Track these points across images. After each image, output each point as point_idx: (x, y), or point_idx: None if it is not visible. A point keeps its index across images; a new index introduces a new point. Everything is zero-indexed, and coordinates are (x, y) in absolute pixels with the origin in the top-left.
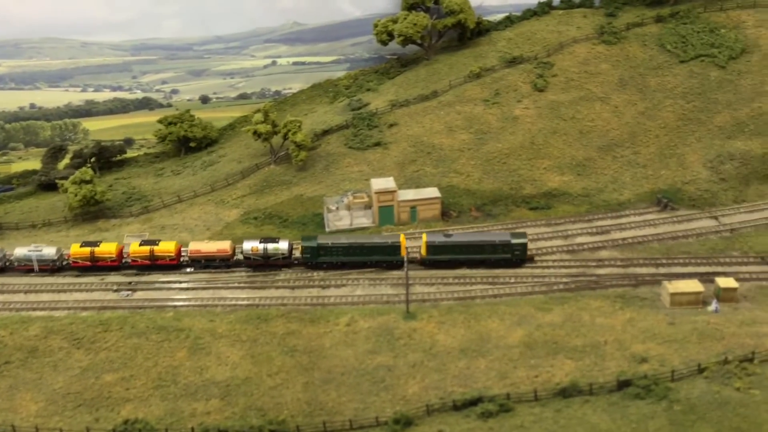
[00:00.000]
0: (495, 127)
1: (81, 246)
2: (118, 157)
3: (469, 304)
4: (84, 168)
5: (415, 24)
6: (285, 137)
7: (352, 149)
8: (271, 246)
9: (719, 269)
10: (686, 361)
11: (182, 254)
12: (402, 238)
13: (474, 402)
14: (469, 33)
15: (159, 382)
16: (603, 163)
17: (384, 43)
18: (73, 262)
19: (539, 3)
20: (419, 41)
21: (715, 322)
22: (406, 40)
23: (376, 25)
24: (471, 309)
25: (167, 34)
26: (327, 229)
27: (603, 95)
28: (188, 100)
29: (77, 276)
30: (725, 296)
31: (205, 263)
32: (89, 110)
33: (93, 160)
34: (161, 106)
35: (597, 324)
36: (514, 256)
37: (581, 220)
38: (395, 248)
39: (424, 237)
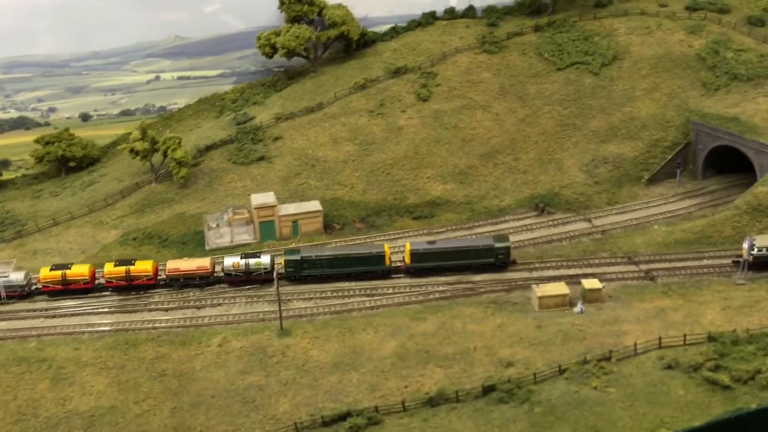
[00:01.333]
0: (379, 138)
1: (51, 269)
2: None
3: (346, 317)
4: None
5: (297, 36)
6: (165, 154)
7: (236, 164)
8: (252, 261)
9: (588, 270)
10: (549, 363)
11: (159, 273)
12: (386, 247)
13: (343, 417)
14: (354, 44)
15: (18, 416)
16: (485, 170)
17: (268, 56)
18: (44, 286)
19: (423, 14)
20: (304, 53)
21: (580, 323)
22: (290, 53)
23: (259, 38)
24: (347, 322)
25: (42, 50)
26: (207, 247)
27: (484, 103)
28: (67, 118)
29: None
30: (590, 297)
31: (185, 281)
32: None
33: None
34: (38, 125)
35: (468, 331)
36: (498, 260)
37: (462, 227)
38: (380, 257)
39: (408, 245)
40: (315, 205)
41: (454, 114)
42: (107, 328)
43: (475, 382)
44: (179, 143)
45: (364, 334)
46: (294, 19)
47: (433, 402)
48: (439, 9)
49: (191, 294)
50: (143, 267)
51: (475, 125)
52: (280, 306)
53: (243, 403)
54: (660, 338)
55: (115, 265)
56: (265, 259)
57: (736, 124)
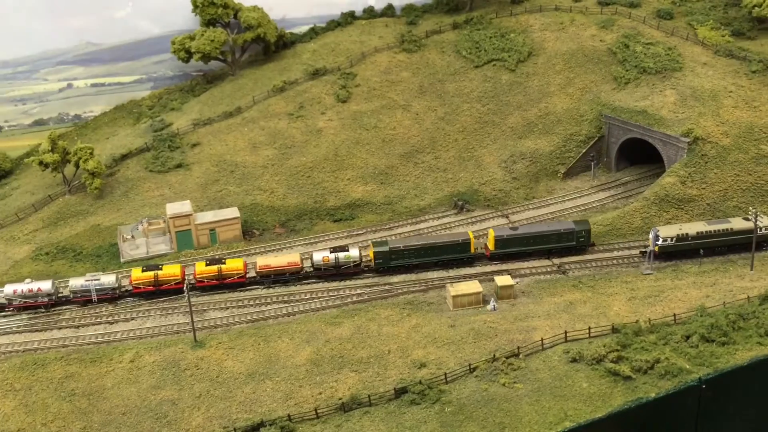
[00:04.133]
0: (299, 141)
1: (143, 270)
2: None
3: (262, 325)
4: None
5: (212, 40)
6: (77, 165)
7: (153, 173)
8: (342, 255)
9: (504, 267)
10: (461, 362)
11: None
12: (470, 234)
13: (256, 427)
14: (272, 47)
15: None
16: (405, 170)
17: (184, 61)
18: (135, 287)
19: (342, 14)
20: (221, 57)
21: (492, 320)
22: (206, 57)
23: (173, 43)
24: (262, 330)
25: None
26: (122, 259)
27: (404, 103)
28: None
29: None
30: (503, 294)
31: (275, 278)
32: None
33: None
34: None
35: (383, 333)
36: (579, 243)
37: (382, 228)
38: (465, 245)
39: (491, 232)
40: (233, 212)
41: (373, 114)
42: (17, 348)
43: (388, 385)
44: (91, 153)
45: (279, 342)
46: (209, 23)
47: (345, 407)
48: (358, 9)
49: (103, 309)
50: (234, 265)
51: (395, 125)
52: (192, 318)
53: (155, 419)
54: (566, 332)
55: (207, 264)
56: (354, 253)
57: (645, 116)
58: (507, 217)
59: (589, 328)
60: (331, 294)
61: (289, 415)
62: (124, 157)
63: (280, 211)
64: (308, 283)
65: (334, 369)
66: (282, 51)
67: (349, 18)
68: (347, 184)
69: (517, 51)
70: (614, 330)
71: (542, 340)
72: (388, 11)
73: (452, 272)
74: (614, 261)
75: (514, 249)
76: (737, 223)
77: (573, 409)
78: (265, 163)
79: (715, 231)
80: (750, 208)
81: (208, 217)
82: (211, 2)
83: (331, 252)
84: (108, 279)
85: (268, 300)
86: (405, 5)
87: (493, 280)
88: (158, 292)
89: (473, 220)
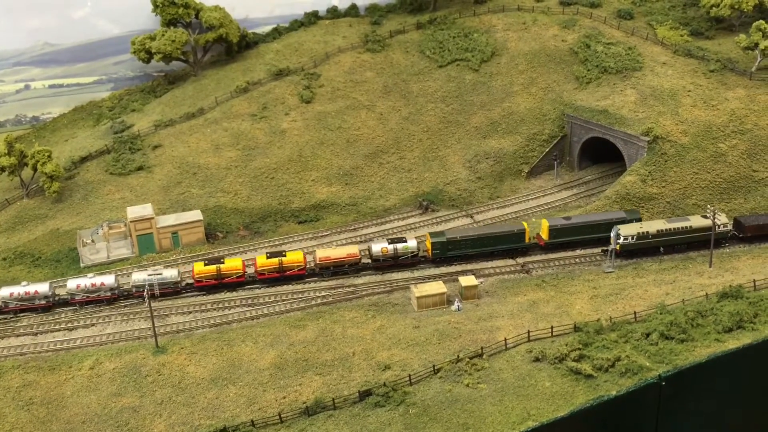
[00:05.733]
0: (263, 142)
1: (206, 264)
2: None
3: (225, 329)
4: None
5: (174, 41)
6: (35, 169)
7: (114, 175)
8: (400, 246)
9: (468, 267)
10: (425, 364)
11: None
12: (525, 225)
13: None
14: (235, 47)
15: None
16: (370, 170)
17: (145, 61)
18: (197, 281)
19: (306, 14)
20: (183, 58)
21: (456, 320)
22: (167, 58)
23: (133, 43)
24: (226, 335)
25: None
26: (82, 264)
27: (368, 103)
28: None
29: None
30: (467, 294)
31: (334, 270)
32: None
33: None
34: None
35: (348, 336)
36: None
37: (347, 229)
38: (521, 235)
39: (545, 222)
40: (195, 215)
41: (338, 115)
42: None
43: (353, 388)
44: (49, 156)
45: (243, 346)
46: (170, 23)
47: (309, 411)
48: (322, 8)
49: (63, 315)
50: (295, 257)
51: (360, 125)
52: (153, 323)
53: (116, 426)
54: (529, 332)
55: (268, 257)
56: (411, 243)
57: (606, 116)
58: (471, 217)
59: (552, 328)
60: (295, 296)
61: (252, 421)
62: (84, 159)
63: (244, 213)
64: (363, 275)
65: (298, 373)
66: (245, 51)
67: (312, 18)
68: (312, 185)
69: (480, 51)
70: (576, 329)
71: (506, 340)
72: (352, 11)
73: (416, 273)
74: (577, 259)
75: (567, 238)
76: (696, 221)
77: (536, 409)
78: (228, 165)
79: (674, 229)
80: (708, 205)
81: (171, 220)
82: (171, 2)
83: (389, 243)
84: (170, 273)
85: (231, 304)
86: (369, 5)
87: (457, 280)
88: (220, 285)
89: (438, 220)
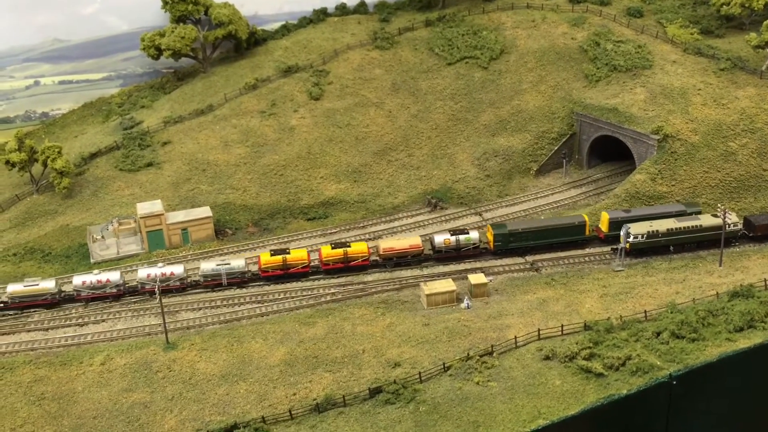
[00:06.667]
0: (272, 139)
1: (271, 255)
2: None
3: (235, 326)
4: None
5: (183, 37)
6: (45, 164)
7: (123, 171)
8: (462, 237)
9: (477, 265)
10: (435, 361)
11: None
12: (585, 216)
13: (230, 429)
14: (244, 44)
15: None
16: (378, 168)
17: (154, 58)
18: (263, 271)
19: (315, 11)
20: (192, 54)
21: (465, 318)
22: (177, 54)
23: (143, 40)
24: (236, 331)
25: None
26: (92, 260)
27: (377, 100)
28: None
29: None
30: (477, 292)
31: (397, 260)
32: None
33: None
34: None
35: (358, 333)
36: None
37: (356, 227)
38: (581, 227)
39: (605, 215)
40: (205, 211)
41: (346, 112)
42: None
43: (363, 385)
44: (59, 152)
45: (253, 343)
46: (179, 19)
47: (320, 408)
48: (331, 5)
49: (73, 311)
50: (359, 248)
51: (368, 123)
52: (164, 319)
53: (127, 422)
54: (539, 330)
55: (332, 248)
56: (474, 235)
57: (616, 114)
58: (480, 215)
59: (562, 326)
60: (304, 293)
61: (263, 417)
62: (94, 155)
63: (253, 209)
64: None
65: (308, 369)
66: (254, 48)
67: (321, 15)
68: (320, 182)
69: (489, 48)
70: (586, 327)
71: (516, 338)
72: (361, 8)
73: (426, 270)
74: (586, 258)
75: None
76: (706, 220)
77: (546, 407)
78: (237, 162)
79: (684, 228)
80: (718, 204)
81: (180, 216)
82: None
83: (451, 234)
84: (238, 263)
85: (242, 300)
86: (378, 2)
87: (467, 278)
88: (286, 275)
89: (447, 217)
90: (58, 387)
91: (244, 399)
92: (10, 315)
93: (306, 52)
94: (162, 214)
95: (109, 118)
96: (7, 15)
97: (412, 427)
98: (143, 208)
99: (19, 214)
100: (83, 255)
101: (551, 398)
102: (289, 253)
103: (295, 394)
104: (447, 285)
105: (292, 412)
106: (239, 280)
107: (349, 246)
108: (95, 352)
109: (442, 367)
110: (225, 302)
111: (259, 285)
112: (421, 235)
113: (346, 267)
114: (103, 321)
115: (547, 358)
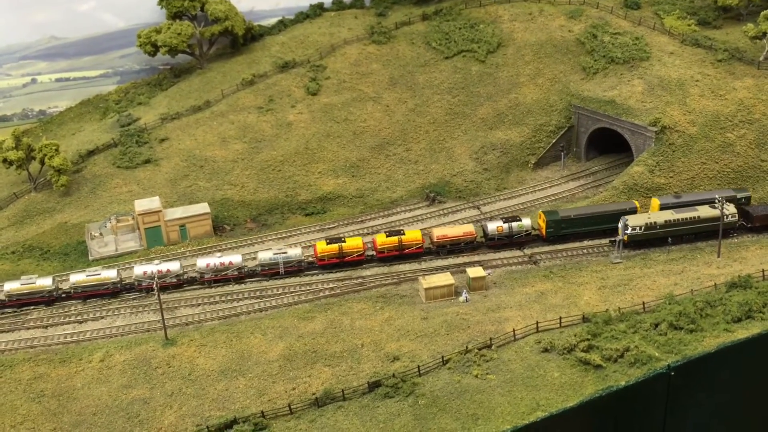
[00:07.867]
0: (269, 135)
1: (327, 243)
2: None
3: (234, 321)
4: None
5: (179, 33)
6: (43, 162)
7: (121, 168)
8: (515, 224)
9: (475, 258)
10: (434, 355)
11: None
12: (636, 203)
13: (229, 425)
14: (241, 39)
15: None
16: (376, 162)
17: (150, 54)
18: (320, 260)
19: (311, 6)
20: (189, 50)
21: (464, 312)
22: (173, 51)
23: (139, 36)
24: (234, 327)
25: None
26: (90, 258)
27: (375, 95)
28: None
29: None
30: (475, 285)
31: (450, 248)
32: None
33: None
34: None
35: (356, 327)
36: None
37: (354, 221)
38: (633, 213)
39: (655, 200)
40: (203, 208)
41: (344, 107)
42: None
43: (362, 379)
44: (57, 150)
45: (251, 338)
46: (175, 15)
47: (319, 402)
48: (327, 0)
49: (72, 308)
50: (413, 236)
51: (366, 117)
52: (162, 315)
53: (127, 418)
54: (537, 322)
55: (387, 236)
56: (526, 222)
57: (613, 106)
58: (478, 209)
59: (560, 318)
60: (303, 288)
61: (262, 412)
62: (91, 153)
63: (251, 205)
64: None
65: (307, 364)
66: (250, 44)
67: (317, 10)
68: (318, 177)
69: (486, 42)
70: (585, 319)
71: (514, 330)
72: (357, 3)
73: (424, 264)
74: (584, 250)
75: None
76: (704, 212)
77: (545, 399)
78: (235, 158)
79: (682, 219)
80: (716, 195)
81: (178, 213)
82: None
83: (504, 222)
84: (294, 252)
85: (240, 296)
86: None
87: (465, 271)
88: (342, 263)
89: (445, 211)
90: (57, 384)
91: (244, 394)
92: (9, 312)
93: (303, 48)
94: (160, 211)
95: (106, 115)
96: (3, 13)
97: (411, 421)
98: (141, 204)
99: (17, 212)
100: (81, 252)
101: (550, 390)
102: (344, 241)
103: (294, 389)
104: (445, 279)
105: (292, 407)
106: (296, 268)
107: (404, 234)
108: (94, 349)
109: (441, 360)
110: (224, 298)
111: (315, 274)
112: (473, 222)
113: (400, 255)
114: (102, 318)
115: (545, 350)
